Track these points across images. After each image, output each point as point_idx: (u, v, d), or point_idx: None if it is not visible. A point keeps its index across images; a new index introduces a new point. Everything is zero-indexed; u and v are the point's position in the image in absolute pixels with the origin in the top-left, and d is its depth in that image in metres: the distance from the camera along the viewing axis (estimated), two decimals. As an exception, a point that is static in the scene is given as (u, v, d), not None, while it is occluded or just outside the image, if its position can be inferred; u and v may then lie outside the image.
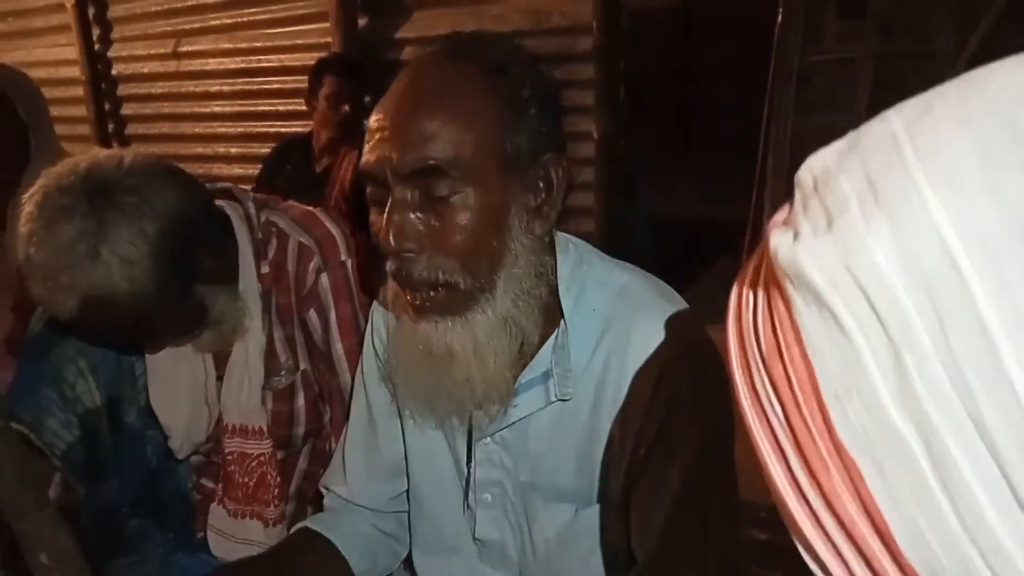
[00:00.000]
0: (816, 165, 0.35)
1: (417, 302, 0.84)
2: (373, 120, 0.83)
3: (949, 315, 0.29)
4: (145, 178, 1.02)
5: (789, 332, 0.33)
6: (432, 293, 0.83)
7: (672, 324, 0.86)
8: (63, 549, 0.62)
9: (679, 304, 0.91)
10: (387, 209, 0.81)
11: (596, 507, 0.92)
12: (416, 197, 0.80)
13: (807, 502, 0.33)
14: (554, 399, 0.89)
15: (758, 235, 2.71)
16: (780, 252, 0.33)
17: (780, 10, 2.63)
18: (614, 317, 0.88)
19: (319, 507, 1.30)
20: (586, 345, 0.88)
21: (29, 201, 0.98)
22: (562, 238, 0.92)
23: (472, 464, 0.97)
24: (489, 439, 0.95)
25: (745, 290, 0.38)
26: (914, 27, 2.48)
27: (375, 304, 1.08)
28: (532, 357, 0.90)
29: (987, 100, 0.31)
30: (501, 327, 0.84)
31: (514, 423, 0.92)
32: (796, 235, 0.33)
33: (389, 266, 0.84)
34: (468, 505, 0.99)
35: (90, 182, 0.99)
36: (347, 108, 2.89)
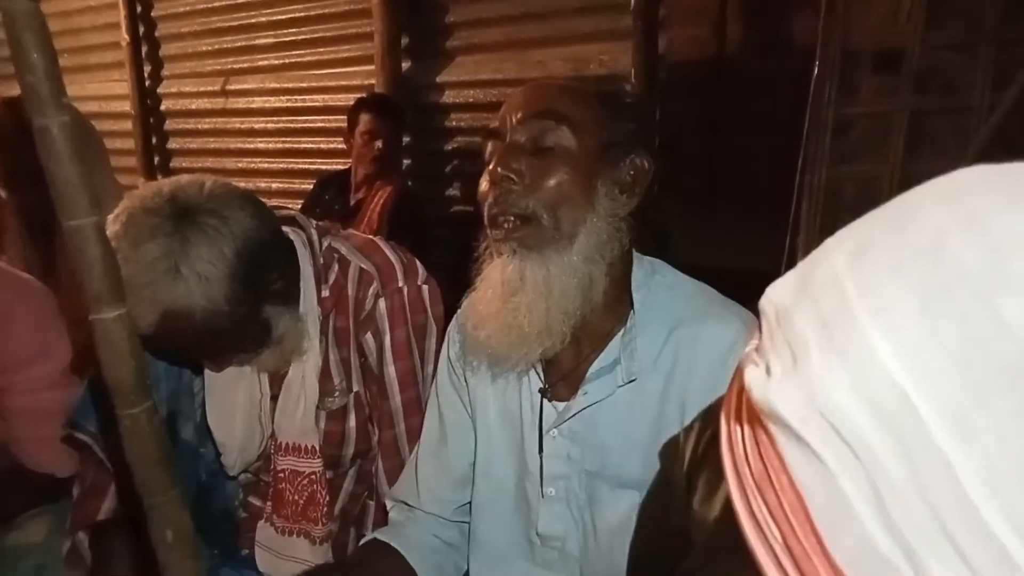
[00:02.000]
0: (776, 297, 0.39)
1: (502, 233, 0.94)
2: (504, 105, 0.99)
3: (914, 452, 0.31)
4: (225, 202, 1.08)
5: (775, 462, 0.36)
6: (517, 222, 0.93)
7: (742, 325, 0.94)
8: (186, 529, 0.66)
9: (746, 313, 0.98)
10: (500, 150, 0.94)
11: None
12: (527, 144, 0.94)
13: None
14: (622, 383, 0.95)
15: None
16: (755, 391, 0.36)
17: (816, 63, 2.69)
18: (684, 316, 0.96)
19: (363, 530, 1.33)
20: (656, 337, 0.95)
21: (114, 221, 1.04)
22: (637, 255, 1.01)
23: (542, 456, 1.01)
24: (556, 432, 1.00)
25: (732, 422, 0.41)
26: (948, 83, 2.52)
27: (453, 320, 1.15)
28: (602, 350, 0.97)
29: (912, 248, 0.34)
30: (572, 273, 0.92)
31: (583, 410, 0.97)
32: (768, 371, 0.37)
33: (489, 200, 0.94)
34: (540, 497, 1.03)
35: (175, 205, 1.05)
36: (380, 144, 2.99)
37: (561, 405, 1.00)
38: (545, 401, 1.02)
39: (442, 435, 1.14)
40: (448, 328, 1.17)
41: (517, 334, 0.94)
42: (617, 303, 0.98)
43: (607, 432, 0.98)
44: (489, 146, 0.98)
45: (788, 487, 0.35)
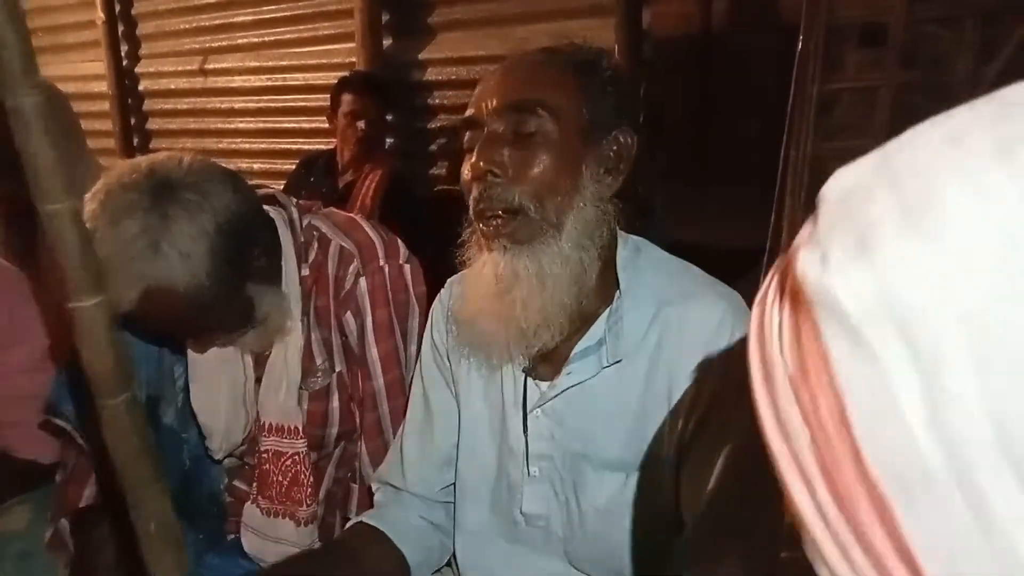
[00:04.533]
0: (845, 181, 0.34)
1: (491, 228, 0.93)
2: (477, 88, 0.96)
3: (988, 352, 0.28)
4: (205, 177, 1.06)
5: (817, 359, 0.32)
6: (505, 217, 0.92)
7: (729, 305, 0.93)
8: (169, 521, 0.65)
9: (732, 293, 0.97)
10: (480, 142, 0.93)
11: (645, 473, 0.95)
12: (507, 132, 0.92)
13: (834, 531, 0.32)
14: (606, 364, 0.94)
15: (776, 257, 2.74)
16: (809, 278, 0.32)
17: (800, 39, 2.68)
18: (670, 297, 0.95)
19: (347, 513, 1.33)
20: (641, 318, 0.95)
21: (92, 199, 1.02)
22: (622, 233, 1.00)
23: (527, 435, 1.01)
24: (540, 411, 0.99)
25: (767, 311, 0.37)
26: (933, 57, 2.52)
27: (436, 300, 1.14)
28: (587, 329, 0.96)
29: (1017, 129, 0.30)
30: (564, 263, 0.92)
31: (567, 391, 0.97)
32: (824, 259, 0.32)
33: (473, 194, 0.93)
34: (529, 475, 1.02)
35: (153, 180, 1.03)
36: (363, 125, 2.94)
37: (545, 384, 0.99)
38: (529, 380, 1.01)
39: (427, 415, 1.13)
40: (431, 307, 1.15)
41: (516, 330, 0.93)
42: (603, 283, 0.97)
43: (591, 413, 0.97)
44: (467, 134, 0.96)
45: (827, 386, 0.32)
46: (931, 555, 0.30)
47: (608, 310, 0.96)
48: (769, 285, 0.37)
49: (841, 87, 2.67)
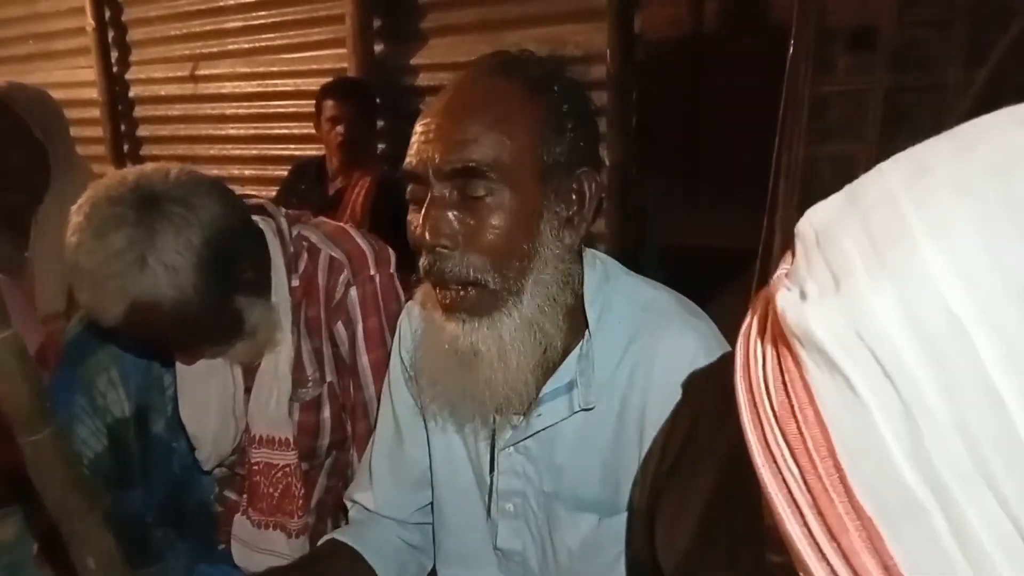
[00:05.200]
0: (817, 219, 0.35)
1: (447, 300, 0.87)
2: (419, 125, 0.87)
3: (960, 381, 0.29)
4: (191, 190, 1.05)
5: (801, 392, 0.33)
6: (462, 291, 0.85)
7: (698, 338, 0.89)
8: (109, 553, 0.63)
9: (705, 320, 0.93)
10: (425, 205, 0.84)
11: (619, 516, 0.93)
12: (454, 196, 0.84)
13: (825, 559, 0.33)
14: (578, 408, 0.90)
15: (768, 262, 2.74)
16: (788, 314, 0.33)
17: (791, 42, 2.68)
18: (640, 330, 0.90)
19: (339, 521, 1.32)
20: (611, 356, 0.90)
21: (77, 212, 1.01)
22: (590, 254, 0.95)
23: (495, 474, 0.98)
24: (512, 449, 0.96)
25: (752, 345, 0.38)
26: (923, 61, 2.52)
27: (403, 314, 1.11)
28: (557, 367, 0.92)
29: (982, 165, 0.31)
30: (527, 331, 0.86)
31: (538, 432, 0.93)
32: (803, 295, 0.34)
33: (423, 262, 0.87)
34: (490, 515, 1.00)
35: (139, 193, 1.02)
36: (341, 130, 2.92)
37: (516, 420, 0.95)
38: (498, 417, 0.95)
39: (397, 435, 1.09)
40: (399, 324, 1.11)
41: (476, 401, 0.90)
42: (571, 320, 0.91)
43: (563, 453, 0.93)
44: (410, 187, 0.88)
45: (813, 420, 0.33)
46: None
47: (578, 350, 0.91)
48: (752, 320, 0.39)
49: (832, 90, 2.67)
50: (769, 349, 0.36)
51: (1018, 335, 0.28)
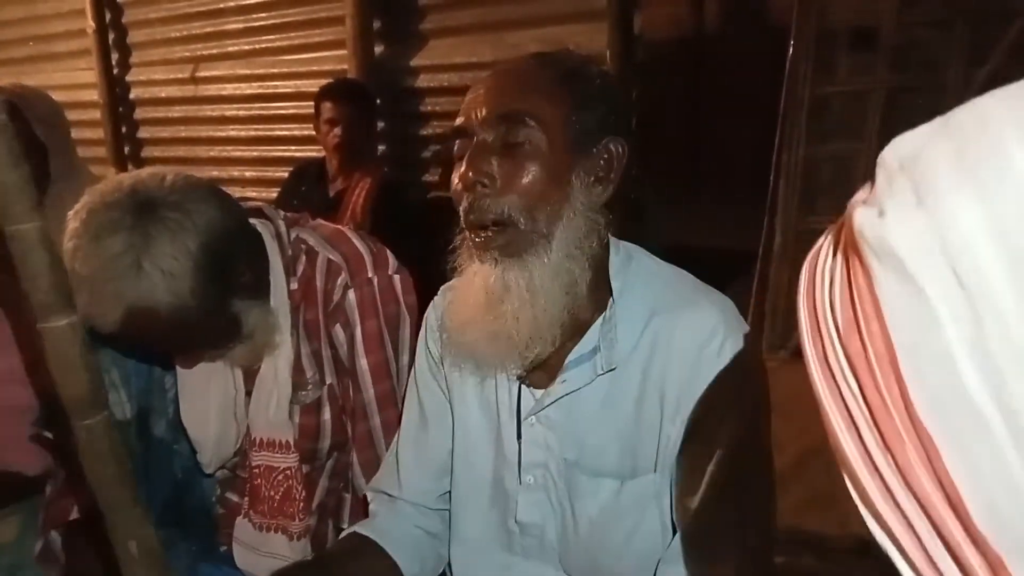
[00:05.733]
0: (903, 146, 0.35)
1: (480, 239, 0.93)
2: (469, 94, 0.97)
3: None
4: (188, 195, 1.05)
5: (869, 306, 0.33)
6: (495, 231, 0.92)
7: (718, 313, 0.94)
8: (150, 541, 0.64)
9: (724, 298, 0.98)
10: (469, 151, 0.93)
11: (639, 480, 0.96)
12: (496, 143, 0.92)
13: (880, 475, 0.34)
14: (601, 371, 0.94)
15: (768, 262, 2.74)
16: (866, 229, 0.33)
17: (792, 42, 2.68)
18: (662, 305, 0.95)
19: (339, 523, 1.32)
20: (634, 326, 0.95)
21: (74, 217, 1.01)
22: (614, 240, 0.99)
23: (520, 443, 1.00)
24: (534, 419, 0.99)
25: (820, 266, 0.38)
26: (924, 61, 2.52)
27: (430, 306, 1.14)
28: (580, 337, 0.96)
29: None
30: (554, 274, 0.92)
31: (561, 399, 0.97)
32: (882, 212, 0.33)
33: (463, 206, 0.93)
34: (517, 485, 1.02)
35: (135, 198, 1.03)
36: (338, 131, 2.92)
37: (539, 392, 0.99)
38: (523, 387, 1.01)
39: (422, 422, 1.12)
40: (425, 314, 1.15)
41: (506, 342, 0.93)
42: (596, 291, 0.96)
43: (585, 421, 0.97)
44: (457, 143, 0.96)
45: (878, 332, 0.32)
46: (976, 496, 0.30)
47: (602, 318, 0.96)
48: (822, 243, 0.38)
49: (833, 90, 2.68)
50: (840, 268, 0.36)
51: None
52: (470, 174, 0.91)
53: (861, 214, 0.34)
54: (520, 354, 0.94)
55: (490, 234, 0.92)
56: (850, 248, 0.35)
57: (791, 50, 2.69)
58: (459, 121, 0.96)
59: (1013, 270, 0.29)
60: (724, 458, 0.89)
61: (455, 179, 0.95)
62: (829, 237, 0.38)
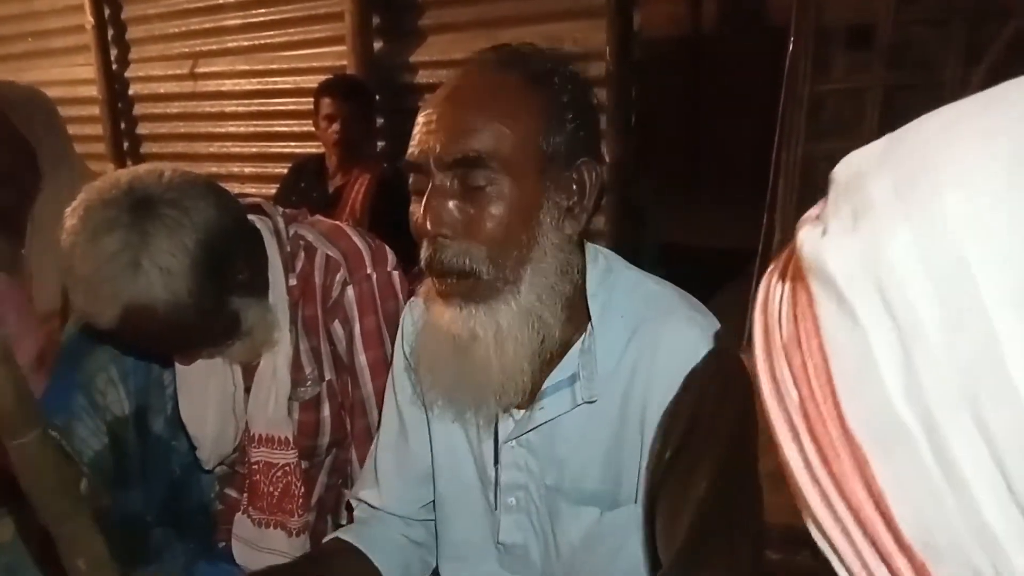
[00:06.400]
0: (852, 164, 0.36)
1: (444, 288, 0.88)
2: (421, 116, 0.88)
3: (959, 316, 0.30)
4: (185, 192, 1.05)
5: (809, 323, 0.35)
6: (459, 280, 0.86)
7: (700, 331, 0.89)
8: (99, 555, 0.63)
9: (706, 314, 0.93)
10: (426, 195, 0.85)
11: (621, 510, 0.93)
12: (455, 186, 0.85)
13: (819, 484, 0.35)
14: (580, 402, 0.91)
15: (768, 261, 2.74)
16: (806, 247, 0.35)
17: (791, 40, 2.68)
18: (642, 323, 0.91)
19: (339, 520, 1.32)
20: (614, 349, 0.91)
21: (72, 215, 1.01)
22: (592, 248, 0.95)
23: (498, 467, 0.98)
24: (515, 442, 0.96)
25: (773, 282, 0.39)
26: (921, 59, 2.53)
27: (405, 310, 1.12)
28: (558, 360, 0.92)
29: (1013, 115, 0.32)
30: (524, 319, 0.87)
31: (540, 426, 0.94)
32: (824, 231, 0.35)
33: (423, 253, 0.88)
34: (496, 508, 1.00)
35: (133, 195, 1.02)
36: (337, 127, 2.92)
37: (519, 414, 0.96)
38: (499, 410, 0.96)
39: (401, 430, 1.10)
40: (401, 319, 1.12)
41: (477, 388, 0.90)
42: (574, 311, 0.92)
43: (565, 445, 0.94)
44: (411, 178, 0.89)
45: (816, 350, 0.34)
46: (903, 507, 0.32)
47: (580, 342, 0.92)
48: (777, 263, 0.40)
49: (831, 88, 2.68)
50: (787, 284, 0.37)
51: (1022, 281, 0.29)
52: (428, 226, 0.85)
53: (806, 232, 0.36)
54: (487, 399, 0.91)
55: (454, 282, 0.87)
56: (795, 265, 0.37)
57: (790, 48, 2.69)
58: (412, 154, 0.87)
59: (939, 299, 0.31)
60: (710, 484, 0.84)
61: (414, 220, 0.88)
62: (784, 257, 0.40)
